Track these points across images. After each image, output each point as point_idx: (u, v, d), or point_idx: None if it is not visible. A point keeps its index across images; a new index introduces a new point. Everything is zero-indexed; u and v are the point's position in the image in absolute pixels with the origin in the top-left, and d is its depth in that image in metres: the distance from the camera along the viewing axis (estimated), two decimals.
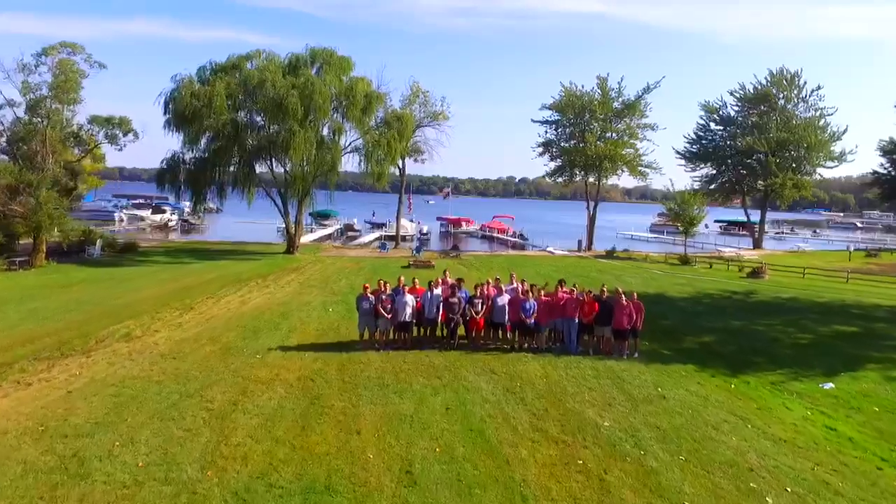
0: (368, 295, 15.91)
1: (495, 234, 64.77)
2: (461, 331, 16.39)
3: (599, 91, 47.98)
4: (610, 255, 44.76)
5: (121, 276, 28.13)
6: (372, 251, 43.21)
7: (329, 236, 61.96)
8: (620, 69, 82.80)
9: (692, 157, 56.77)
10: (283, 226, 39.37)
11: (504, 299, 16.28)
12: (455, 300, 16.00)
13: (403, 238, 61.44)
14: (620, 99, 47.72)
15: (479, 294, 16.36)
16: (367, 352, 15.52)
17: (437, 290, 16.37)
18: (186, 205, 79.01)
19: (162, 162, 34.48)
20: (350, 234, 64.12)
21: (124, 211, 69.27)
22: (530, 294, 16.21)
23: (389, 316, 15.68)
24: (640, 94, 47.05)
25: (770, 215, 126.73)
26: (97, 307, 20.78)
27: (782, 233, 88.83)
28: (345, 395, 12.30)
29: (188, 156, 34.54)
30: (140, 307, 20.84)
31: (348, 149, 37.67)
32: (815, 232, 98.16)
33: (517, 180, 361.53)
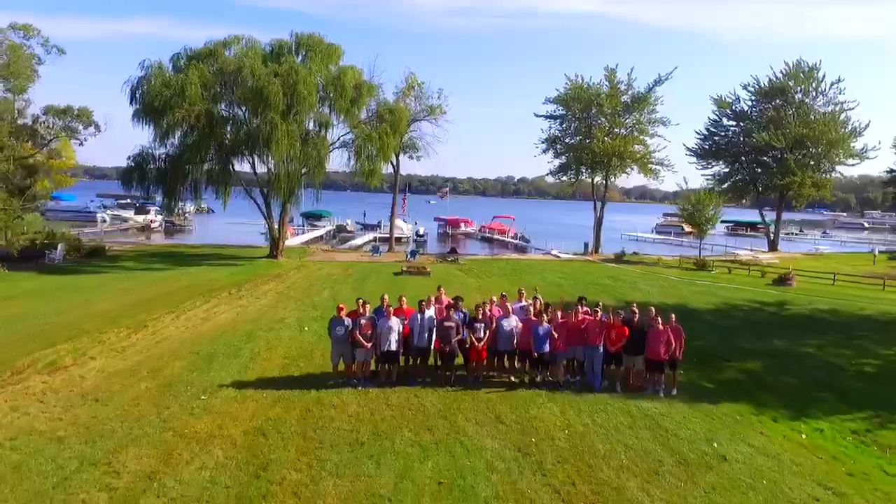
0: (343, 317, 12.84)
1: (495, 236, 61.71)
2: (459, 359, 13.35)
3: (607, 83, 44.94)
4: (619, 258, 41.73)
5: (77, 285, 25.02)
6: (363, 255, 40.15)
7: (321, 238, 58.84)
8: (620, 69, 79.31)
9: (704, 153, 53.72)
10: (267, 228, 36.14)
11: (512, 322, 13.25)
12: (451, 324, 12.94)
13: (399, 240, 58.45)
14: (630, 92, 44.70)
15: (480, 315, 13.30)
16: (342, 389, 12.48)
17: (430, 312, 13.31)
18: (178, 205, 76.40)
19: (129, 158, 31.25)
20: (343, 235, 60.98)
21: (107, 212, 66.02)
22: (544, 316, 13.11)
23: (370, 344, 12.63)
24: (651, 86, 44.08)
25: (771, 215, 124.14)
26: (31, 325, 17.66)
27: (792, 233, 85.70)
28: (304, 459, 9.24)
29: (159, 151, 31.38)
30: (83, 326, 17.74)
31: (336, 144, 34.62)
32: (824, 233, 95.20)
33: (516, 180, 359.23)
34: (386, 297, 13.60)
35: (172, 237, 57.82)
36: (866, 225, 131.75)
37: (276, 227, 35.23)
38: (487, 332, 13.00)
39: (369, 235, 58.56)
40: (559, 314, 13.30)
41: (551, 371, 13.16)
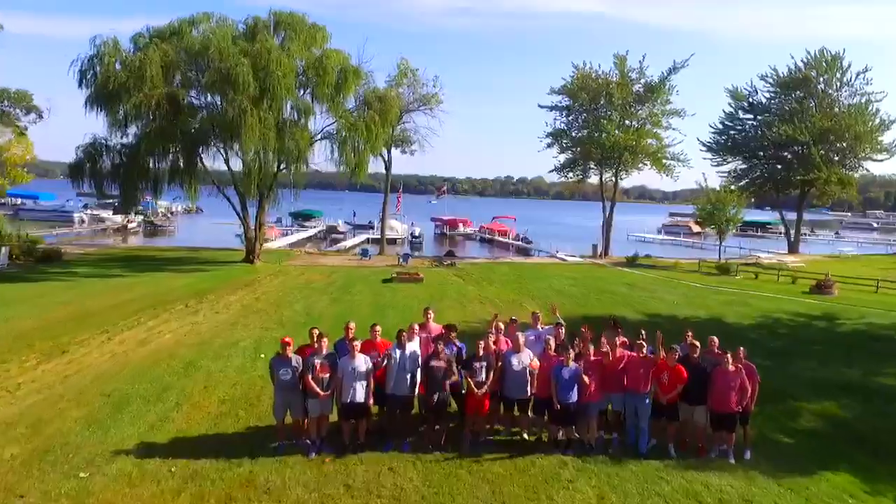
0: (290, 356, 9.24)
1: (496, 237, 58.13)
2: (452, 406, 9.82)
3: (617, 72, 41.36)
4: (632, 262, 38.15)
5: (6, 296, 21.38)
6: (352, 258, 36.55)
7: (310, 239, 55.21)
8: (632, 56, 75.95)
9: (719, 149, 50.14)
10: (242, 230, 32.50)
11: (524, 359, 9.68)
12: (441, 363, 9.35)
13: (394, 241, 54.88)
14: (642, 81, 41.14)
15: (481, 350, 9.69)
16: (288, 457, 8.89)
17: (412, 345, 9.69)
18: (161, 204, 72.50)
19: (78, 150, 27.55)
20: (334, 236, 57.35)
21: (86, 212, 62.31)
22: (570, 350, 9.51)
23: (327, 393, 9.07)
24: (665, 74, 40.51)
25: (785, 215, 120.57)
26: None
27: (804, 234, 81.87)
28: None
29: (114, 142, 27.69)
30: None
31: (319, 135, 30.98)
32: (837, 233, 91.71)
33: (515, 180, 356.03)
34: (351, 325, 9.93)
35: (151, 239, 54.22)
36: (875, 225, 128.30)
37: (253, 227, 31.57)
38: (491, 373, 9.43)
39: (361, 237, 55.01)
40: (591, 348, 9.67)
41: (579, 427, 9.55)
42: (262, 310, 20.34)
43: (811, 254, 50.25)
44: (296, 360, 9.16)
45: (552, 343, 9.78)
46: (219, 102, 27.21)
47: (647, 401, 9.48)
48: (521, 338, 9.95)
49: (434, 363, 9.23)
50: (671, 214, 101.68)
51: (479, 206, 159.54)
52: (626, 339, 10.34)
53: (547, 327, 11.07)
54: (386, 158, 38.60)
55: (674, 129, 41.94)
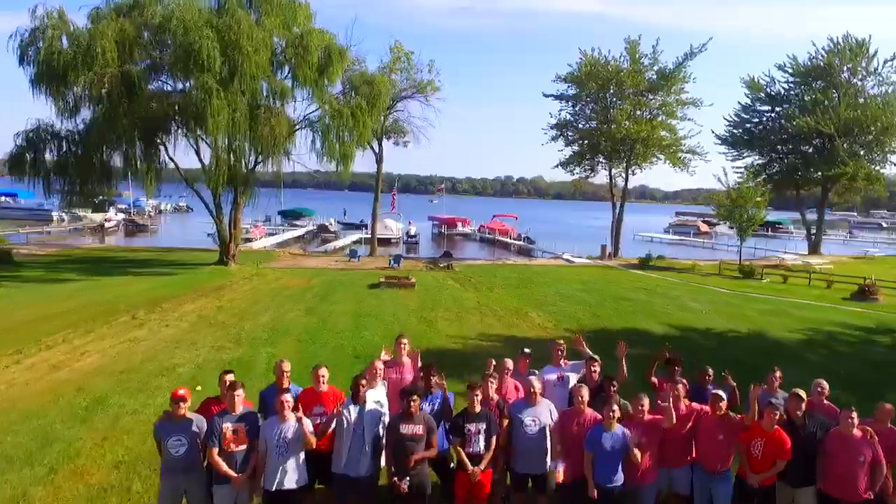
0: (185, 416, 6.02)
1: (496, 237, 54.89)
2: (434, 483, 6.63)
3: (629, 58, 38.17)
4: (645, 264, 34.95)
5: None
6: (339, 260, 33.35)
7: (299, 239, 52.01)
8: (644, 41, 72.39)
9: (735, 142, 46.90)
10: (215, 229, 29.29)
11: (542, 416, 6.49)
12: (416, 428, 6.13)
13: (388, 241, 51.68)
14: (655, 68, 37.95)
15: (478, 403, 6.44)
16: None
17: (377, 395, 6.49)
18: (149, 202, 69.21)
19: (17, 137, 24.20)
20: (325, 235, 54.11)
21: (66, 210, 58.95)
22: (614, 407, 6.25)
23: (242, 476, 5.87)
24: (681, 60, 37.30)
25: (788, 214, 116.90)
26: None
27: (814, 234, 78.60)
28: None
29: (62, 129, 24.41)
30: None
31: (301, 124, 27.78)
32: (850, 233, 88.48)
33: (515, 179, 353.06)
34: (285, 365, 6.71)
35: (131, 238, 50.95)
36: (884, 225, 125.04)
37: (227, 226, 28.40)
38: (493, 439, 6.24)
39: (355, 236, 51.79)
40: (643, 403, 6.45)
41: None
42: (221, 322, 17.14)
43: (833, 255, 46.98)
44: (196, 422, 5.96)
45: (583, 396, 6.52)
46: (183, 84, 23.96)
47: (729, 481, 6.31)
48: (537, 383, 6.74)
49: (405, 429, 6.03)
50: (678, 213, 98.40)
51: (479, 205, 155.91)
52: (684, 382, 7.07)
53: (573, 363, 7.84)
54: (377, 151, 35.42)
55: (689, 119, 38.73)
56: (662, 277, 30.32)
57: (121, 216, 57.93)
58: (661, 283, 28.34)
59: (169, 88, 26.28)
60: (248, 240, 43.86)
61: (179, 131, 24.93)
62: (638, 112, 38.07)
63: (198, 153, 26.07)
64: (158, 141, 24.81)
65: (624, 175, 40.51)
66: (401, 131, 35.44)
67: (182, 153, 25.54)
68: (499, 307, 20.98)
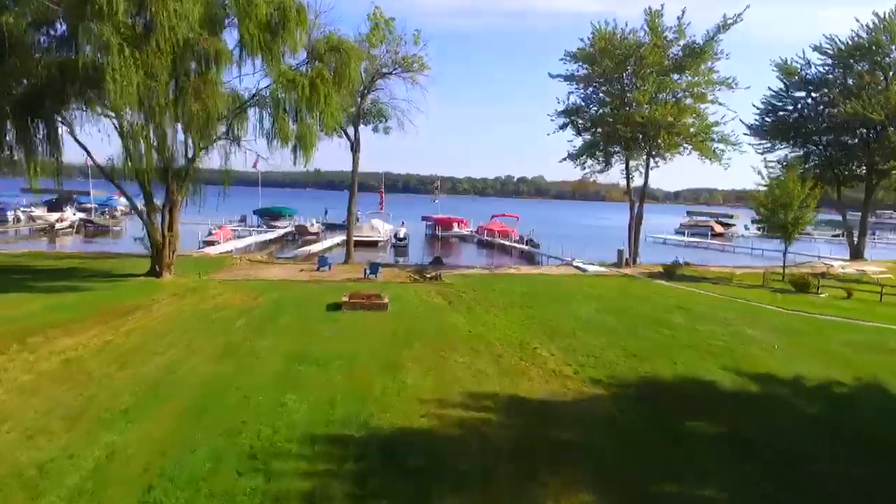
0: None
1: (496, 239, 49.26)
2: None
3: (649, 31, 32.54)
4: (671, 273, 29.40)
5: None
6: (306, 269, 27.75)
7: (274, 242, 46.36)
8: (667, 12, 65.23)
9: (769, 132, 41.30)
10: (145, 233, 23.70)
11: None
12: None
13: (376, 244, 46.10)
14: (682, 42, 32.31)
15: None
16: None
17: None
18: (121, 200, 63.60)
19: None
20: (307, 237, 48.38)
21: (20, 210, 53.40)
22: None
23: None
24: (712, 34, 31.66)
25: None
26: None
27: (839, 235, 72.88)
28: None
29: None
30: None
31: (250, 102, 22.18)
32: (873, 233, 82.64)
33: (515, 179, 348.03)
34: None
35: (88, 240, 45.25)
36: None
37: (160, 228, 22.88)
38: None
39: (338, 238, 46.04)
40: None
41: None
42: (86, 373, 11.61)
43: (882, 260, 41.33)
44: None
45: None
46: (69, 37, 18.20)
47: None
48: None
49: None
50: (689, 213, 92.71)
51: (478, 205, 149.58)
52: None
53: None
54: (352, 137, 29.82)
55: (721, 104, 33.07)
56: (697, 291, 24.75)
57: (79, 216, 52.31)
58: (699, 299, 22.76)
59: (44, 41, 20.20)
60: (210, 243, 38.34)
61: (73, 104, 19.19)
62: (661, 94, 32.45)
63: (121, 132, 20.27)
64: (40, 118, 18.94)
65: (643, 169, 34.90)
66: (380, 114, 29.88)
67: (97, 135, 19.61)
68: (497, 339, 15.45)
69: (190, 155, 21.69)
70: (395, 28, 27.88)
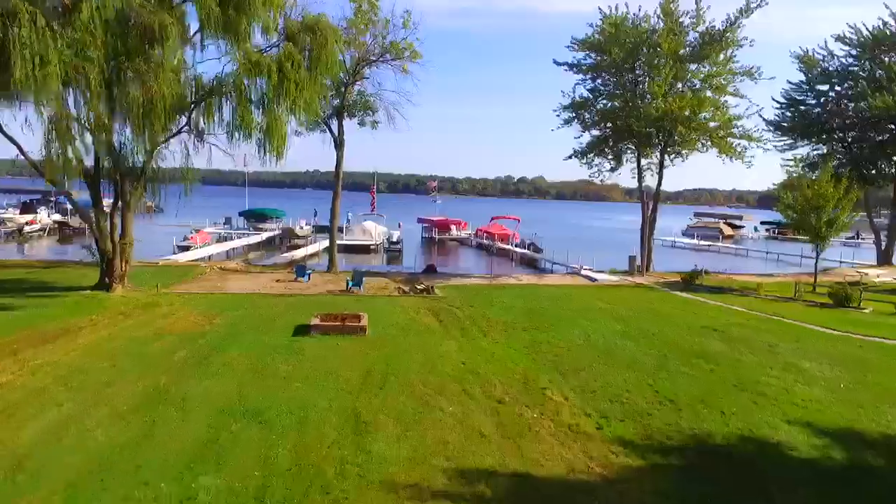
0: None
1: (495, 243, 46.23)
2: None
3: (663, 16, 29.53)
4: (690, 282, 26.44)
5: None
6: (283, 279, 24.74)
7: (261, 245, 43.33)
8: None
9: (790, 128, 38.29)
10: (93, 240, 20.76)
11: None
12: None
13: (368, 249, 43.10)
14: (699, 28, 29.31)
15: None
16: None
17: None
18: (109, 203, 60.53)
19: None
20: (293, 241, 45.35)
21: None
22: None
23: None
24: (733, 19, 28.65)
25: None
26: None
27: (854, 237, 69.78)
28: None
29: None
30: None
31: (210, 89, 19.12)
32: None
33: (515, 179, 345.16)
34: None
35: (64, 245, 42.16)
36: None
37: (110, 235, 19.93)
38: None
39: (328, 241, 42.95)
40: None
41: None
42: None
43: None
44: None
45: None
46: None
47: None
48: None
49: None
50: (696, 214, 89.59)
51: (478, 205, 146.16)
52: None
53: None
54: (334, 132, 26.79)
55: (743, 96, 30.03)
56: (726, 306, 21.73)
57: (54, 218, 49.23)
58: (730, 317, 19.72)
59: None
60: (186, 248, 35.34)
61: None
62: (678, 85, 29.46)
63: (50, 127, 17.27)
64: None
65: (655, 168, 31.81)
66: (368, 108, 26.85)
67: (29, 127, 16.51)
68: (496, 375, 12.47)
69: (147, 150, 18.61)
70: (380, 9, 24.84)
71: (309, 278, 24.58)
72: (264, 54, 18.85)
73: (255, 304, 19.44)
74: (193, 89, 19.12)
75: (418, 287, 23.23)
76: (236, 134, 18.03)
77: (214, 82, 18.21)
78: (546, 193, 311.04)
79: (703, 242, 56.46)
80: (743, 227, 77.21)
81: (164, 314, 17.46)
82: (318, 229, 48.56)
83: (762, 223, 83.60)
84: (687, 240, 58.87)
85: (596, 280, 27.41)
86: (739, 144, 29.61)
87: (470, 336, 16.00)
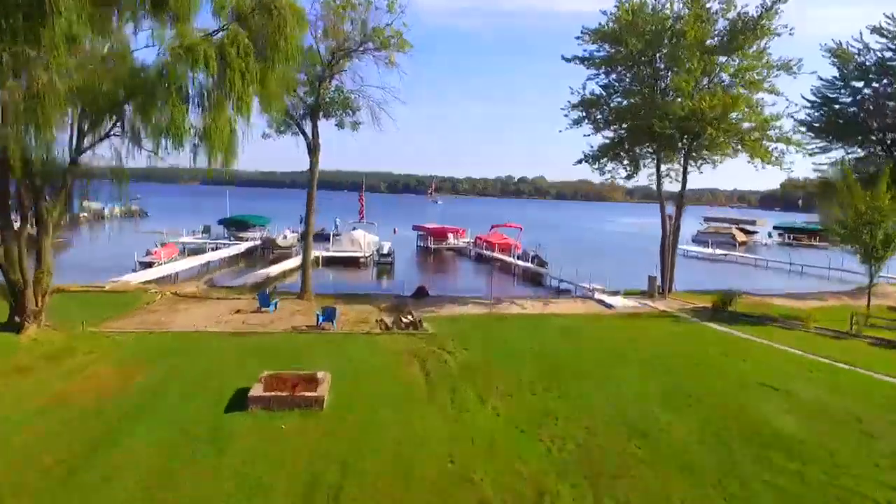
0: None
1: (496, 254, 42.40)
2: None
3: (688, 1, 25.72)
4: (722, 309, 22.62)
5: None
6: (242, 310, 20.85)
7: (239, 258, 39.46)
8: None
9: (824, 130, 34.43)
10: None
11: None
12: None
13: (357, 262, 39.29)
14: (730, 14, 25.49)
15: None
16: None
17: None
18: (90, 206, 56.72)
19: None
20: (278, 251, 41.57)
21: None
22: None
23: None
24: (770, 4, 24.83)
25: (798, 217, 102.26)
26: None
27: None
28: None
29: None
30: None
31: (136, 83, 15.27)
32: None
33: (516, 179, 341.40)
34: None
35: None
36: None
37: (19, 262, 16.22)
38: None
39: (315, 253, 39.03)
40: None
41: None
42: None
43: None
44: None
45: None
46: None
47: None
48: None
49: None
50: (707, 219, 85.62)
51: (479, 206, 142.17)
52: None
53: None
54: (308, 134, 22.94)
55: (779, 93, 26.19)
56: (774, 346, 17.93)
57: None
58: (787, 365, 15.92)
59: None
60: (148, 265, 31.52)
61: None
62: (706, 80, 25.65)
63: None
64: None
65: (677, 174, 28.01)
66: (348, 106, 23.02)
67: None
68: (497, 480, 8.75)
69: (48, 157, 14.82)
70: None
71: (275, 308, 20.77)
72: (208, 38, 15.02)
73: (197, 348, 15.62)
74: (114, 81, 15.26)
75: (404, 321, 19.42)
76: (163, 140, 14.24)
77: (142, 74, 14.39)
78: (546, 193, 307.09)
79: (717, 252, 52.52)
80: (756, 232, 73.36)
81: (74, 368, 13.68)
82: (314, 236, 44.40)
83: (774, 228, 79.78)
84: (699, 248, 54.84)
85: (612, 307, 23.59)
86: (776, 148, 25.78)
87: (463, 403, 12.23)
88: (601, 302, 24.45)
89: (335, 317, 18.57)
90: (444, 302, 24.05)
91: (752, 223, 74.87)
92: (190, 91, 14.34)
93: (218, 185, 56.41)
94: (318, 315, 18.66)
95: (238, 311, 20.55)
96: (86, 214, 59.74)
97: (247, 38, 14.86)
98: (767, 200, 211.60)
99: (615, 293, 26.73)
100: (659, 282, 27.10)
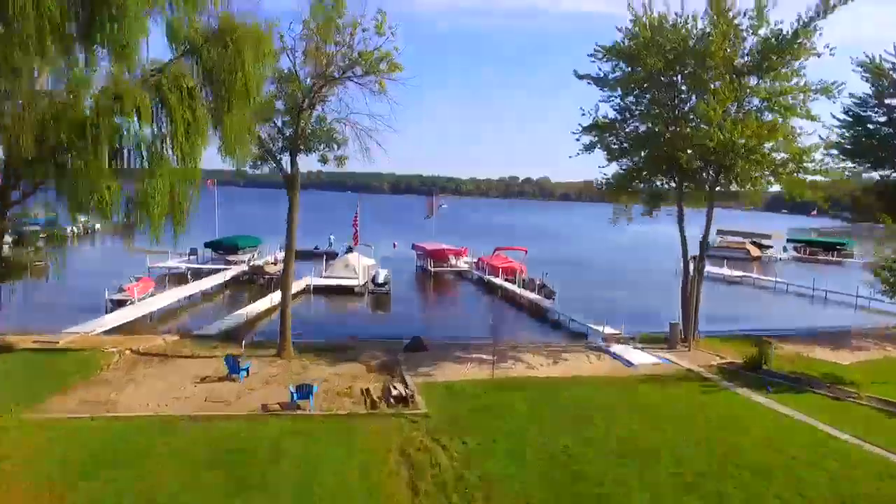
0: None
1: (498, 280, 39.64)
2: None
3: (714, 16, 22.95)
4: (757, 367, 19.83)
5: None
6: (208, 378, 18.17)
7: (223, 288, 36.78)
8: None
9: (860, 153, 31.57)
10: None
11: None
12: None
13: (351, 291, 36.51)
14: (761, 32, 22.70)
15: None
16: None
17: None
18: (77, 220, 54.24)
19: None
20: (268, 276, 38.66)
21: None
22: None
23: None
24: (807, 20, 22.05)
25: (806, 221, 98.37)
26: None
27: None
28: None
29: None
30: None
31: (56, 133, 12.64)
32: None
33: (520, 180, 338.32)
34: None
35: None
36: None
37: None
38: None
39: (304, 281, 36.45)
40: None
41: None
42: None
43: None
44: None
45: None
46: None
47: None
48: None
49: None
50: (719, 232, 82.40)
51: (483, 211, 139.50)
52: None
53: None
54: (286, 167, 20.26)
55: (818, 119, 23.28)
56: (827, 430, 15.20)
57: None
58: (852, 468, 13.20)
59: None
60: (120, 303, 28.87)
61: None
62: (735, 106, 22.86)
63: None
64: None
65: (709, 207, 25.06)
66: (329, 137, 20.27)
67: None
68: None
69: None
70: (346, 7, 18.30)
71: (247, 374, 18.13)
72: (150, 77, 12.35)
73: (141, 454, 12.90)
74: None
75: (393, 392, 16.80)
76: (74, 212, 11.64)
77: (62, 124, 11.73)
78: (551, 194, 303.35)
79: (734, 273, 49.69)
80: (771, 247, 70.49)
81: None
82: (304, 255, 41.54)
83: (789, 241, 76.91)
84: (715, 269, 51.58)
85: (633, 364, 20.87)
86: (817, 181, 23.00)
87: None
88: (619, 358, 21.69)
89: (312, 395, 15.90)
90: (441, 357, 21.33)
91: (767, 237, 71.73)
92: (124, 147, 11.65)
93: (222, 187, 54.20)
94: (292, 393, 15.97)
95: (204, 380, 17.89)
96: (73, 229, 57.28)
97: (202, 72, 12.21)
98: (773, 203, 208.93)
99: (631, 339, 24.07)
100: (687, 327, 24.30)
